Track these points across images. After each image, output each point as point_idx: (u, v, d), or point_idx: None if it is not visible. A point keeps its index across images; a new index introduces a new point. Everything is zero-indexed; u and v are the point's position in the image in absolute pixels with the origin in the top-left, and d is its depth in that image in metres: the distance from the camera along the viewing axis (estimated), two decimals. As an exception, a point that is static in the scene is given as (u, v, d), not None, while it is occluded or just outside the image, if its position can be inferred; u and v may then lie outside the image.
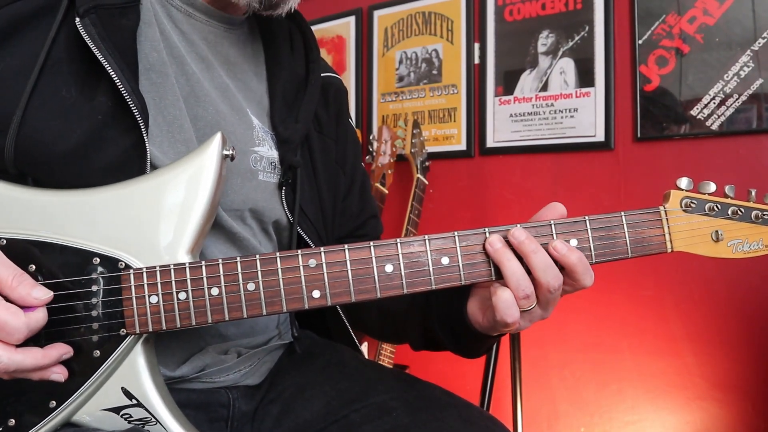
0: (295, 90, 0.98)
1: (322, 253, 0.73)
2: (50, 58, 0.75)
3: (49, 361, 0.66)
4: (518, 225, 0.75)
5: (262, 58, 1.00)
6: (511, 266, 0.73)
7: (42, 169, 0.74)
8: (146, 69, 0.81)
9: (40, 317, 0.66)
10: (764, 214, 0.79)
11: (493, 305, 0.73)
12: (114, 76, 0.74)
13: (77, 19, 0.75)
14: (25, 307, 0.65)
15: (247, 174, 0.88)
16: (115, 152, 0.76)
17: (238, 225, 0.87)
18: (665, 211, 0.78)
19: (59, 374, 0.68)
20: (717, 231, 0.79)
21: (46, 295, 0.67)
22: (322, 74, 1.03)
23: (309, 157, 0.99)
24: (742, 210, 0.79)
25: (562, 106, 2.18)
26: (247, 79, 0.95)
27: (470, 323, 0.82)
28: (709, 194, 0.79)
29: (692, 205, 0.79)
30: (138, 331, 0.71)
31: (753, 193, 0.80)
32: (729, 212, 0.79)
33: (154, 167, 0.77)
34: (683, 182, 0.79)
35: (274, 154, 0.92)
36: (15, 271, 0.67)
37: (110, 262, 0.71)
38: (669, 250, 0.78)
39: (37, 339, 0.67)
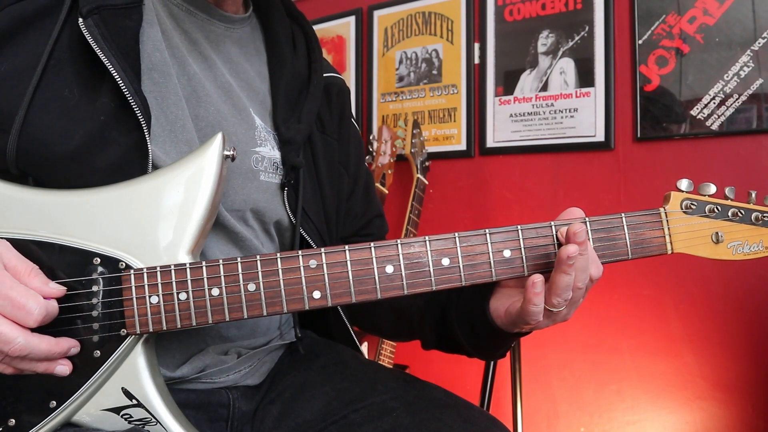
0: (298, 90, 0.98)
1: (323, 254, 0.73)
2: (53, 58, 0.75)
3: (60, 350, 0.67)
4: (518, 226, 0.75)
5: (264, 57, 1.00)
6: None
7: (43, 170, 0.74)
8: (149, 69, 0.81)
9: (56, 305, 0.67)
10: (764, 216, 0.79)
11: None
12: (117, 77, 0.74)
13: (80, 20, 0.75)
14: None
15: (249, 174, 0.88)
16: (117, 153, 0.76)
17: (239, 225, 0.87)
18: (665, 212, 0.79)
19: (65, 366, 0.68)
20: (717, 233, 0.79)
21: (61, 287, 0.68)
22: (325, 74, 1.03)
23: (311, 158, 0.99)
24: (742, 212, 0.79)
25: (562, 106, 2.18)
26: (249, 78, 0.95)
27: (491, 318, 0.82)
28: (710, 196, 0.79)
29: (692, 206, 0.79)
30: (138, 332, 0.71)
31: (753, 195, 0.80)
32: (729, 214, 0.79)
33: (156, 167, 0.77)
34: (683, 184, 0.79)
35: (276, 154, 0.92)
36: (30, 264, 0.68)
37: (111, 263, 0.71)
38: (669, 252, 0.79)
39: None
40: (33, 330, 0.65)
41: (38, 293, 0.65)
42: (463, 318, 0.87)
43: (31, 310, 0.64)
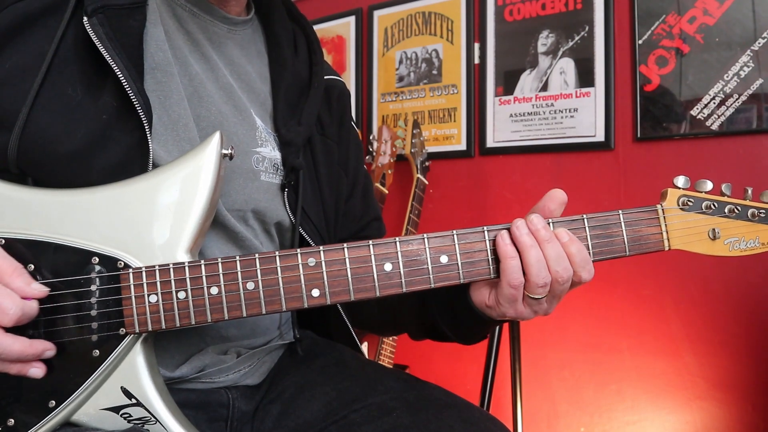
0: (298, 92, 0.98)
1: (321, 252, 0.73)
2: (57, 57, 0.76)
3: (33, 351, 0.67)
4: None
5: (265, 59, 1.00)
6: (535, 253, 0.74)
7: (45, 168, 0.74)
8: (151, 68, 0.81)
9: (34, 306, 0.67)
10: (760, 212, 0.79)
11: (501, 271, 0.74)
12: (120, 76, 0.74)
13: (85, 19, 0.75)
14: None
15: (249, 174, 0.88)
16: (118, 152, 0.76)
17: (240, 225, 0.87)
18: (662, 209, 0.79)
19: (38, 369, 0.68)
20: (714, 229, 0.79)
21: (43, 288, 0.68)
22: (326, 77, 1.04)
23: (311, 159, 0.99)
24: (739, 208, 0.79)
25: (562, 106, 2.18)
26: (250, 80, 0.95)
27: (473, 303, 0.82)
28: (706, 192, 0.79)
29: (689, 203, 0.79)
30: (137, 331, 0.71)
31: (749, 192, 0.80)
32: (726, 210, 0.79)
33: (157, 166, 0.77)
34: (680, 181, 0.79)
35: (276, 155, 0.93)
36: (15, 264, 0.68)
37: (109, 262, 0.71)
38: (666, 248, 0.79)
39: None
40: (9, 330, 0.65)
41: (17, 293, 0.65)
42: (443, 304, 0.87)
43: (7, 309, 0.64)
